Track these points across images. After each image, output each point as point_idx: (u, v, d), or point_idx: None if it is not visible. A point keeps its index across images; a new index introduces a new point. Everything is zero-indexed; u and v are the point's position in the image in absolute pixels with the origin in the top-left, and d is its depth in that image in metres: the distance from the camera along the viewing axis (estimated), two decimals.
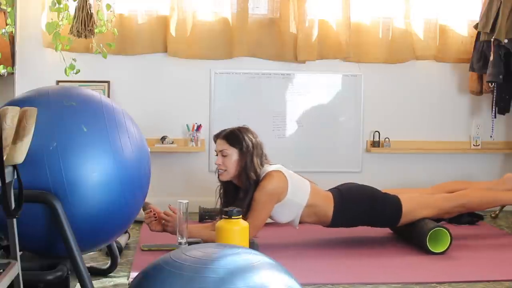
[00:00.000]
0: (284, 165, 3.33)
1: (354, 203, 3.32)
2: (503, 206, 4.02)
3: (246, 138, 3.19)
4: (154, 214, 3.15)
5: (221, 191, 3.29)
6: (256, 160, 3.18)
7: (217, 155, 3.23)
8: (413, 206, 3.36)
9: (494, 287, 2.72)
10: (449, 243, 3.20)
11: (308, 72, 4.44)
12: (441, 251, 3.20)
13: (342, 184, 3.45)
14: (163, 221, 3.13)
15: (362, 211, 3.33)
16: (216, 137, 3.25)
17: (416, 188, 3.87)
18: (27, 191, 2.11)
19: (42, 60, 4.17)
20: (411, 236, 3.37)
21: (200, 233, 3.14)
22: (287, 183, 3.18)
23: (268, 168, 3.21)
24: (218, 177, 3.25)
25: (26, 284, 2.09)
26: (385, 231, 3.61)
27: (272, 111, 4.41)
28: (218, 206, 3.31)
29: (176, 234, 3.00)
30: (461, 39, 4.55)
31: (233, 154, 3.17)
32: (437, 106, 4.61)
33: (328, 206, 3.28)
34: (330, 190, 3.38)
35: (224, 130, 3.25)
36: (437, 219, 3.45)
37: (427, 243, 3.19)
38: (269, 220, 3.61)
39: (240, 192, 3.18)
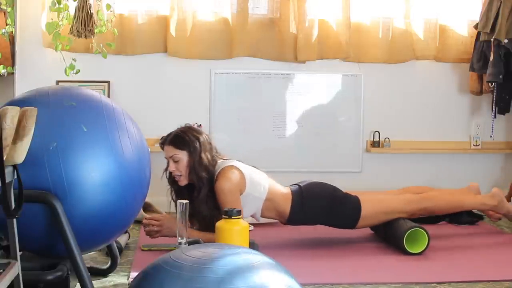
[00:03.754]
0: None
1: (312, 200, 3.28)
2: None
3: (192, 137, 3.15)
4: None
5: (172, 193, 3.25)
6: (205, 157, 3.14)
7: (168, 161, 3.18)
8: (373, 208, 3.32)
9: (494, 287, 2.72)
10: (426, 243, 3.16)
11: (308, 72, 4.44)
12: (419, 251, 3.16)
13: (303, 181, 3.41)
14: (156, 227, 3.11)
15: (319, 210, 3.29)
16: (162, 144, 3.21)
17: (383, 191, 3.81)
18: (27, 191, 2.11)
19: (42, 60, 4.17)
20: (388, 237, 3.35)
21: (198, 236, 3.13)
22: (243, 177, 3.15)
23: (222, 164, 3.17)
24: (173, 182, 3.21)
25: (26, 284, 2.09)
26: None
27: (272, 111, 4.41)
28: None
29: (173, 236, 2.99)
30: (461, 39, 4.55)
31: (184, 157, 3.13)
32: (437, 106, 4.61)
33: (286, 202, 3.26)
34: (290, 186, 3.36)
35: (168, 135, 3.21)
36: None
37: (404, 244, 3.16)
38: (268, 220, 3.62)
39: (194, 191, 3.15)
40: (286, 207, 3.26)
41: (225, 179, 3.11)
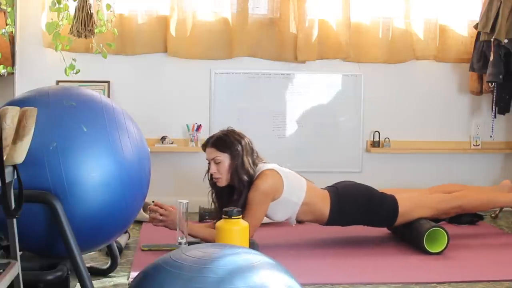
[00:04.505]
0: (283, 165, 3.33)
1: (351, 202, 3.31)
2: (502, 207, 4.02)
3: (234, 140, 3.17)
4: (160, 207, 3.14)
5: (213, 195, 3.28)
6: (247, 161, 3.16)
7: (209, 163, 3.20)
8: (410, 206, 3.35)
9: (494, 287, 2.72)
10: (446, 243, 3.19)
11: (308, 72, 4.44)
12: (438, 251, 3.19)
13: (339, 182, 3.44)
14: (161, 216, 3.11)
15: (358, 210, 3.32)
16: (205, 146, 3.23)
17: (414, 189, 3.87)
18: (27, 191, 2.11)
19: (42, 60, 4.17)
20: (408, 236, 3.37)
21: (199, 230, 3.13)
22: (282, 182, 3.17)
23: (262, 167, 3.20)
24: (214, 184, 3.23)
25: (26, 284, 2.09)
26: (384, 231, 3.61)
27: (272, 111, 4.41)
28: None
29: (174, 230, 2.99)
30: (461, 39, 4.55)
31: (225, 159, 3.15)
32: (437, 106, 4.61)
33: (324, 205, 3.27)
34: (327, 188, 3.38)
35: (211, 137, 3.23)
36: (435, 219, 3.45)
37: (424, 243, 3.18)
38: (268, 220, 3.62)
39: (235, 193, 3.17)
40: (325, 209, 3.28)
41: (264, 180, 3.13)
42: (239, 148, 3.16)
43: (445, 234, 3.20)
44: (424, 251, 3.19)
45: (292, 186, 3.21)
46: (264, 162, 3.27)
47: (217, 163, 3.17)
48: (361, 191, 3.38)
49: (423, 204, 3.39)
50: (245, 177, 3.15)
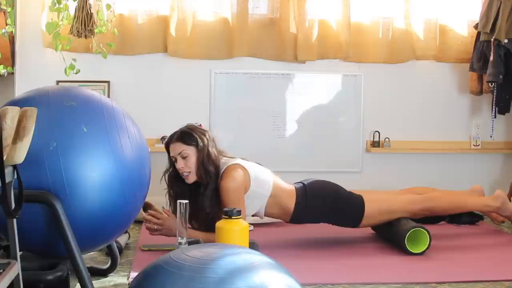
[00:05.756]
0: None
1: (316, 198, 3.28)
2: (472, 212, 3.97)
3: (198, 133, 3.15)
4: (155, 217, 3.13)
5: (172, 195, 3.21)
6: (212, 152, 3.14)
7: (175, 160, 3.15)
8: (377, 208, 3.32)
9: (494, 287, 2.72)
10: (428, 243, 3.16)
11: (308, 72, 4.44)
12: (420, 251, 3.16)
13: (306, 179, 3.41)
14: (156, 225, 3.11)
15: (323, 208, 3.29)
16: (168, 143, 3.19)
17: (386, 191, 3.82)
18: (27, 191, 2.11)
19: (42, 60, 4.18)
20: (390, 237, 3.35)
21: (196, 235, 3.11)
22: (248, 176, 3.15)
23: (227, 162, 3.17)
24: (173, 184, 3.19)
25: (26, 284, 2.09)
26: None
27: (272, 111, 4.41)
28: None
29: (172, 236, 2.99)
30: (461, 39, 4.55)
31: (192, 153, 3.12)
32: (437, 106, 4.61)
33: (290, 199, 3.25)
34: (295, 184, 3.35)
35: (174, 133, 3.18)
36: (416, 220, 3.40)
37: (406, 244, 3.16)
38: (270, 220, 3.62)
39: (200, 188, 3.14)
40: (290, 204, 3.26)
41: (230, 178, 3.10)
42: (205, 140, 3.14)
43: (427, 234, 3.16)
44: (406, 252, 3.16)
45: (258, 178, 3.19)
46: (227, 157, 3.24)
47: (184, 158, 3.12)
48: (328, 189, 3.34)
49: (391, 206, 3.35)
50: (212, 169, 3.11)
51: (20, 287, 2.02)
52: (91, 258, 3.05)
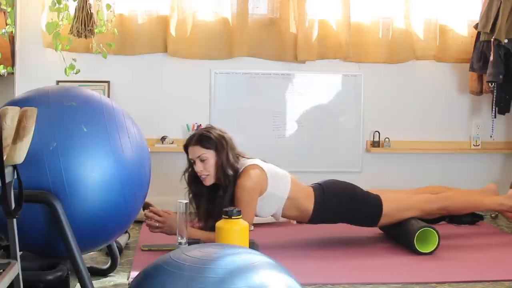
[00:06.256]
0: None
1: (335, 199, 3.28)
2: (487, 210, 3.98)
3: (217, 136, 3.15)
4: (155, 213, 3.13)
5: (190, 195, 3.22)
6: (231, 155, 3.14)
7: (194, 162, 3.15)
8: (394, 207, 3.33)
9: (494, 287, 2.72)
10: (437, 243, 3.17)
11: (308, 72, 4.44)
12: (429, 251, 3.17)
13: (323, 180, 3.41)
14: (158, 223, 3.11)
15: (342, 208, 3.30)
16: (187, 145, 3.18)
17: (400, 189, 3.83)
18: (27, 191, 2.11)
19: (42, 60, 4.17)
20: (399, 236, 3.35)
21: (196, 234, 3.11)
22: (265, 177, 3.15)
23: (245, 162, 3.17)
24: (193, 185, 3.19)
25: (26, 284, 2.09)
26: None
27: (272, 111, 4.41)
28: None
29: (172, 235, 2.99)
30: (461, 39, 4.55)
31: (211, 156, 3.12)
32: (437, 106, 4.61)
33: (308, 201, 3.25)
34: (312, 185, 3.36)
35: (193, 135, 3.19)
36: (425, 220, 3.42)
37: (415, 243, 3.16)
38: (268, 220, 3.62)
39: (220, 190, 3.14)
40: (309, 206, 3.26)
41: (247, 177, 3.11)
42: (224, 143, 3.14)
43: (436, 234, 3.18)
44: (415, 251, 3.17)
45: (276, 180, 3.19)
46: (247, 158, 3.24)
47: (202, 161, 3.13)
48: (346, 189, 3.35)
49: (408, 205, 3.37)
50: (231, 172, 3.12)
51: (20, 287, 2.02)
52: (91, 258, 3.05)
